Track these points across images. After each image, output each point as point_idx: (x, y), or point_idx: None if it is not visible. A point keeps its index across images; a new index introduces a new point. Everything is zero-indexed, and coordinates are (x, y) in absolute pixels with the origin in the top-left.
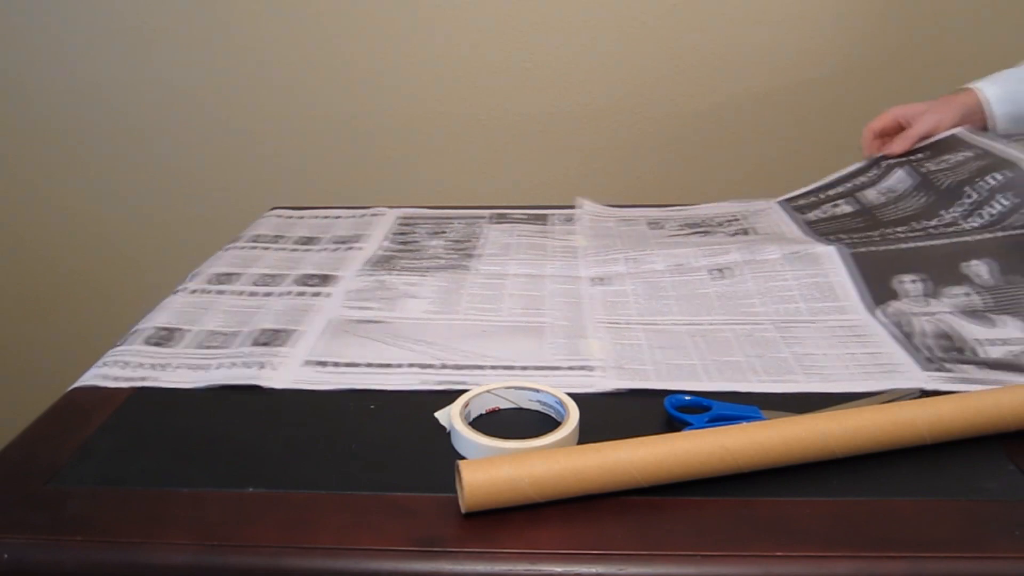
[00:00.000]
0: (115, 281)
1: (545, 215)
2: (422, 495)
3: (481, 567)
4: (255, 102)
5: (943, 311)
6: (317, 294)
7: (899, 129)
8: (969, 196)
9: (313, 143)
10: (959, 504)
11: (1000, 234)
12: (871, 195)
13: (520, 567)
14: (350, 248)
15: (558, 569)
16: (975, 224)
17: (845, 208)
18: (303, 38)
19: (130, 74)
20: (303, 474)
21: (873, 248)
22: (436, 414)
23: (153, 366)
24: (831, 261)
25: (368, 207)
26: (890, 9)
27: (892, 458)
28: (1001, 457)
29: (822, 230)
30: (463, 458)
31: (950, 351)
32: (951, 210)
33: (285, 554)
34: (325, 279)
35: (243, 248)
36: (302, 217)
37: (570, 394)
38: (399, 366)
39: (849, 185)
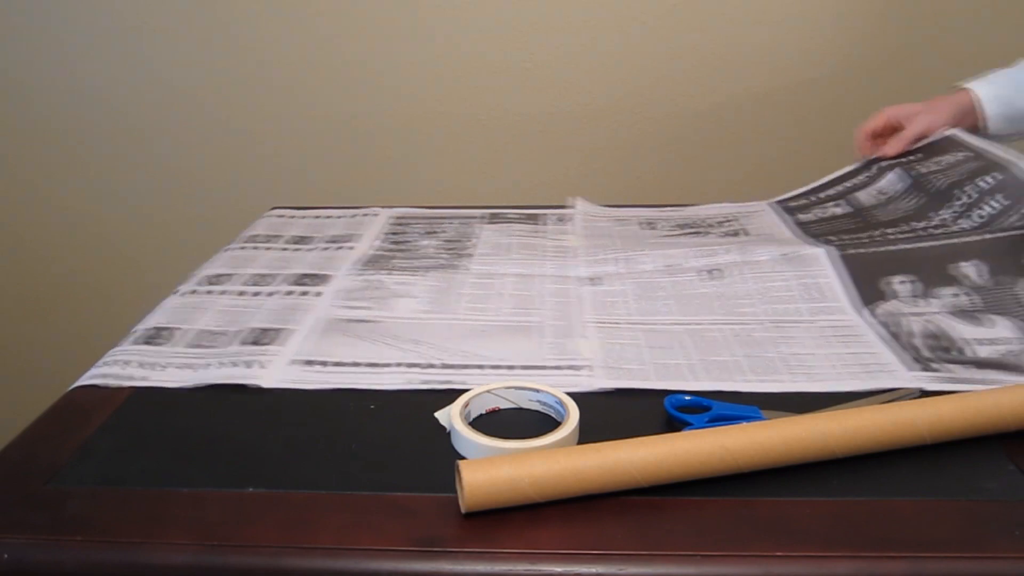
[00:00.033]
0: (115, 281)
1: (538, 215)
2: (422, 495)
3: (481, 567)
4: (255, 102)
5: (933, 311)
6: (309, 293)
7: (893, 130)
8: (960, 198)
9: (313, 143)
10: (959, 504)
11: (989, 236)
12: (864, 197)
13: (520, 567)
14: (340, 248)
15: (558, 569)
16: (965, 226)
17: (837, 210)
18: (303, 38)
19: (130, 74)
20: (303, 474)
21: (863, 250)
22: (436, 414)
23: (152, 366)
24: (821, 263)
25: (363, 207)
26: (890, 9)
27: (892, 458)
28: (1001, 457)
29: (814, 232)
30: (463, 458)
31: (937, 351)
32: (942, 212)
33: (285, 554)
34: (317, 279)
35: (240, 249)
36: (303, 217)
37: (569, 394)
38: (389, 365)
39: (842, 187)
